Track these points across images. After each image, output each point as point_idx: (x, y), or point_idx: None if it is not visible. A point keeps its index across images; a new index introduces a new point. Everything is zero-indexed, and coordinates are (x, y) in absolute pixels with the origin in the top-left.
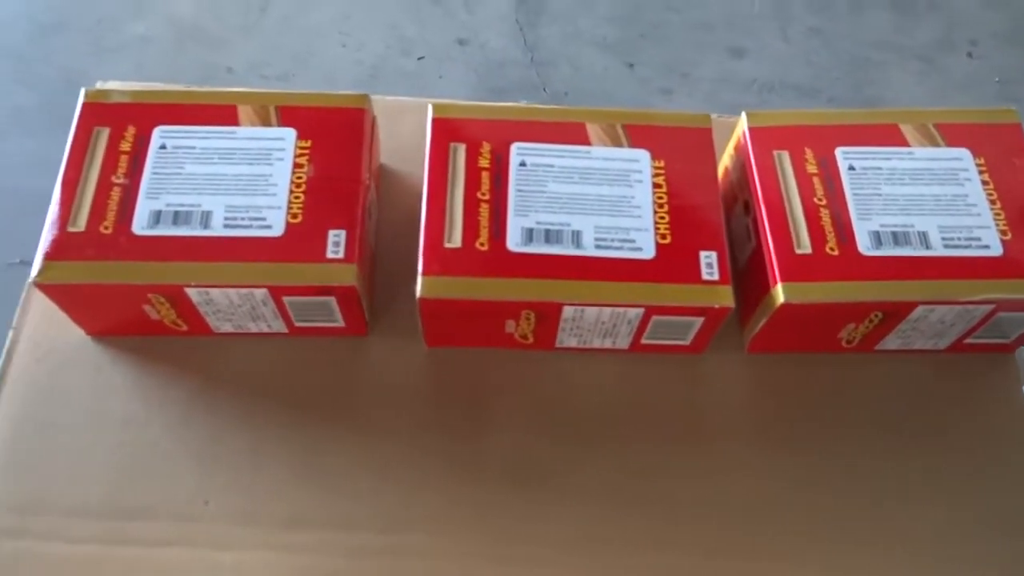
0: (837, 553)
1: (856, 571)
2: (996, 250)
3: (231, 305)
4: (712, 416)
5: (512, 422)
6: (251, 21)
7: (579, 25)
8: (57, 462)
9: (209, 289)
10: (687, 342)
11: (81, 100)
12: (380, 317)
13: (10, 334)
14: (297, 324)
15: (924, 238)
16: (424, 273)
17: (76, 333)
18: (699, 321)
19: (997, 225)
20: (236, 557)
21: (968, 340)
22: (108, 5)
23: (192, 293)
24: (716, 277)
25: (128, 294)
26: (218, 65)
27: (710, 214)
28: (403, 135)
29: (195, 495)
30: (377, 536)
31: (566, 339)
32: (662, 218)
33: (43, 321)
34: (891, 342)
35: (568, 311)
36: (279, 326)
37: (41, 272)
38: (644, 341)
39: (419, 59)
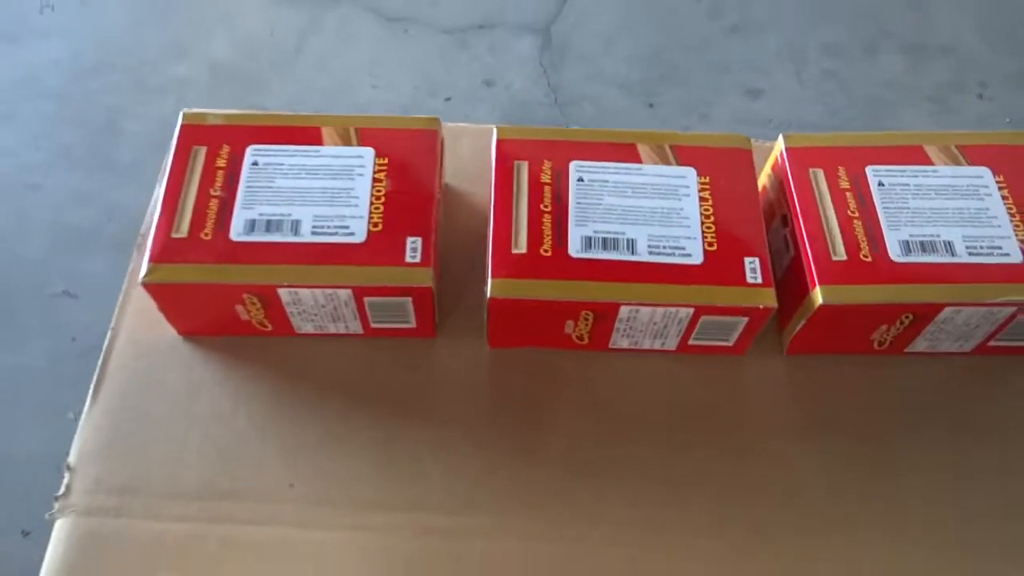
0: (869, 530)
1: (888, 547)
2: (1016, 258)
3: (316, 306)
4: (754, 412)
5: (570, 416)
6: (286, 62)
7: (601, 66)
8: (152, 450)
9: (299, 289)
10: (731, 343)
11: (180, 122)
12: (446, 321)
13: (109, 334)
14: (373, 325)
15: (950, 246)
16: (494, 276)
17: (169, 333)
18: (744, 321)
19: (1017, 235)
20: (321, 535)
21: (992, 343)
22: (150, 48)
23: (283, 293)
24: (760, 280)
25: (224, 294)
26: (254, 104)
27: (752, 224)
28: (461, 158)
29: (281, 480)
30: (447, 517)
31: (619, 340)
32: (709, 228)
33: (139, 322)
34: (920, 344)
35: (624, 311)
36: (356, 327)
37: (148, 273)
38: (691, 342)
39: (446, 100)
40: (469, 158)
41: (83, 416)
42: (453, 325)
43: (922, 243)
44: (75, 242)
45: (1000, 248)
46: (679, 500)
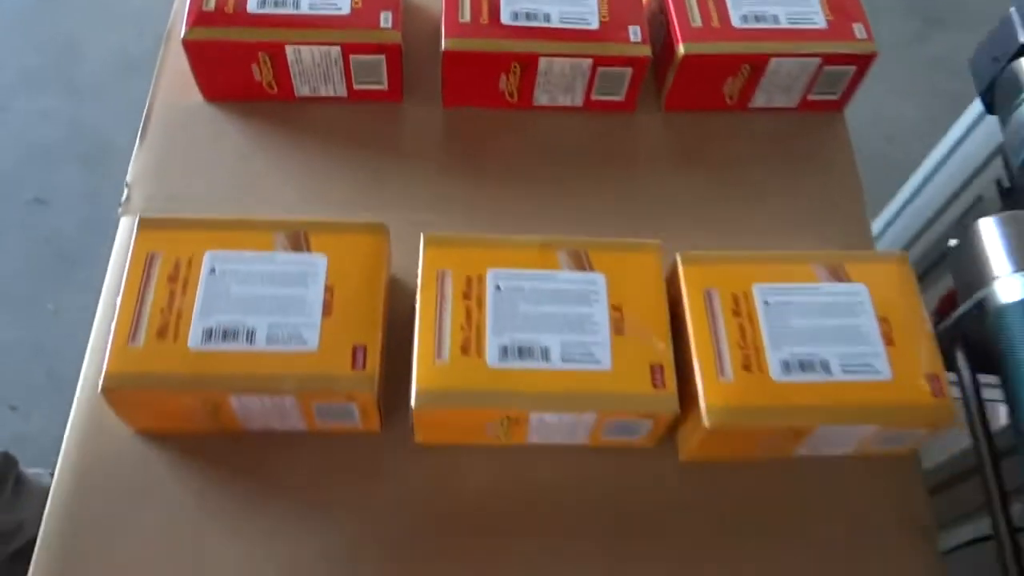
0: None
1: None
2: (823, 25)
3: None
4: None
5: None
6: None
7: None
8: (191, 177)
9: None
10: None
11: None
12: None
13: (148, 98)
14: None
15: (776, 19)
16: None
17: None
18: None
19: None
20: None
21: (809, 96)
22: None
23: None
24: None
25: (243, 51)
26: None
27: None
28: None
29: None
30: (411, 213)
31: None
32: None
33: (175, 85)
34: (760, 98)
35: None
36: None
37: (188, 32)
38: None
39: None
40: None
41: (135, 151)
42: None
43: (756, 16)
44: (43, 156)
45: (811, 20)
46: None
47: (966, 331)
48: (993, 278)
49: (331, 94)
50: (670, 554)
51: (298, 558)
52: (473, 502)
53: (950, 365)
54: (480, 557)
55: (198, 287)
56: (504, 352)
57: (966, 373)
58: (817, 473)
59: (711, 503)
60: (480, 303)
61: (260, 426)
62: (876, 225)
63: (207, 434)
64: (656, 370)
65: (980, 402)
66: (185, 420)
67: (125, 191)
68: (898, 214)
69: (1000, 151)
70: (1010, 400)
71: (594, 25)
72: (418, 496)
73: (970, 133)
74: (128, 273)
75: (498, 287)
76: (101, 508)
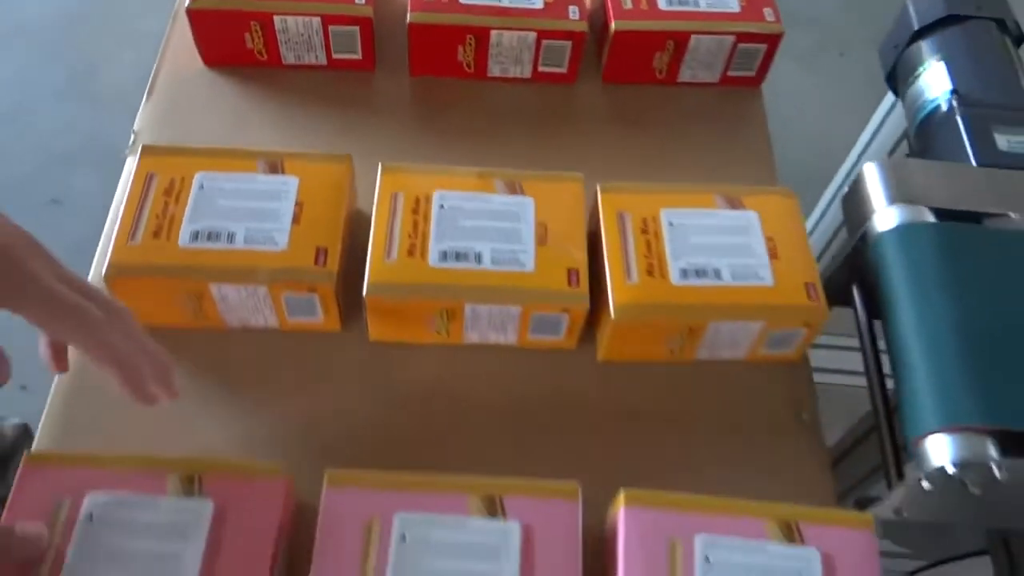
0: None
1: None
2: (735, 9)
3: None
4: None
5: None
6: None
7: None
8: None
9: None
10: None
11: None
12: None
13: (156, 61)
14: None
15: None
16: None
17: (200, 64)
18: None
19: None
20: None
21: (729, 72)
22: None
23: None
24: None
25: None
26: None
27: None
28: None
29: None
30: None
31: None
32: None
33: (181, 51)
34: (685, 73)
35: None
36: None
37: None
38: None
39: None
40: None
41: (141, 106)
42: None
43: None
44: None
45: (727, 5)
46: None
47: (860, 272)
48: (872, 211)
49: (313, 62)
50: (589, 440)
51: (264, 434)
52: (419, 393)
53: (847, 302)
54: (426, 439)
55: (188, 199)
56: (444, 256)
57: (861, 310)
58: (716, 375)
59: (624, 398)
60: (426, 218)
61: (238, 321)
62: (809, 223)
63: (193, 329)
64: (572, 273)
65: (872, 336)
66: (174, 312)
67: (132, 136)
68: (826, 209)
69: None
70: (885, 326)
71: (539, 5)
72: (370, 385)
73: (884, 122)
74: (130, 188)
75: (442, 205)
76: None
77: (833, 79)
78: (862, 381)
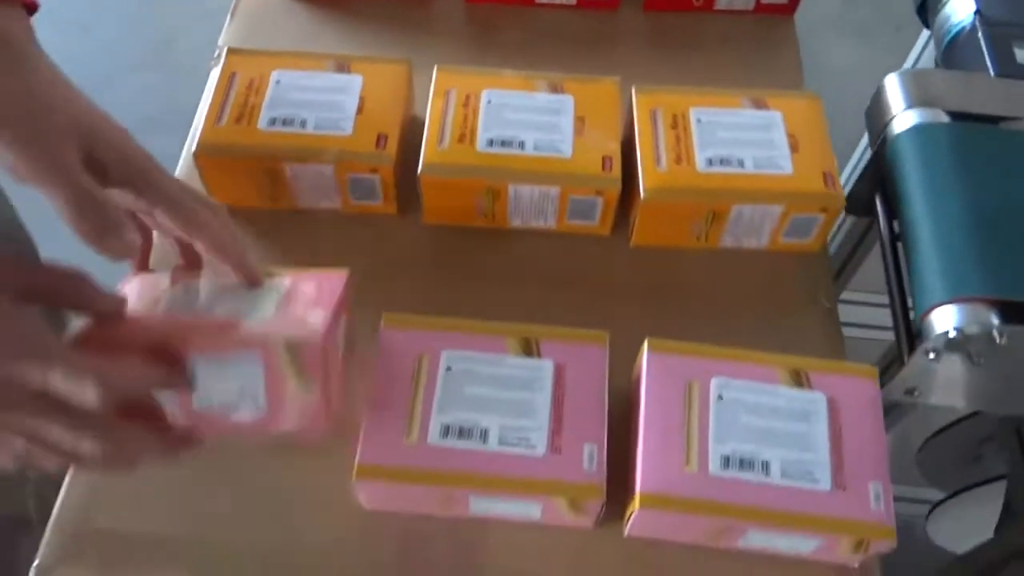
0: None
1: None
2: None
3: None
4: None
5: None
6: None
7: None
8: None
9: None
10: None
11: None
12: None
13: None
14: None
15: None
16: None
17: None
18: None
19: None
20: None
21: None
22: None
23: None
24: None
25: None
26: None
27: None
28: None
29: None
30: None
31: None
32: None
33: None
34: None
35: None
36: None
37: None
38: None
39: None
40: None
41: (225, 25)
42: None
43: None
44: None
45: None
46: None
47: (881, 180)
48: (892, 116)
49: None
50: (619, 311)
51: None
52: (467, 265)
53: (870, 211)
54: (466, 297)
55: (266, 92)
56: (490, 142)
57: (883, 219)
58: (740, 260)
59: (653, 278)
60: (475, 111)
61: (307, 203)
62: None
63: (268, 209)
64: (607, 160)
65: (893, 238)
66: (252, 190)
67: (217, 51)
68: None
69: None
70: (900, 220)
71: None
72: (424, 256)
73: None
74: (217, 82)
75: (490, 101)
76: None
77: (890, 54)
78: (887, 335)
